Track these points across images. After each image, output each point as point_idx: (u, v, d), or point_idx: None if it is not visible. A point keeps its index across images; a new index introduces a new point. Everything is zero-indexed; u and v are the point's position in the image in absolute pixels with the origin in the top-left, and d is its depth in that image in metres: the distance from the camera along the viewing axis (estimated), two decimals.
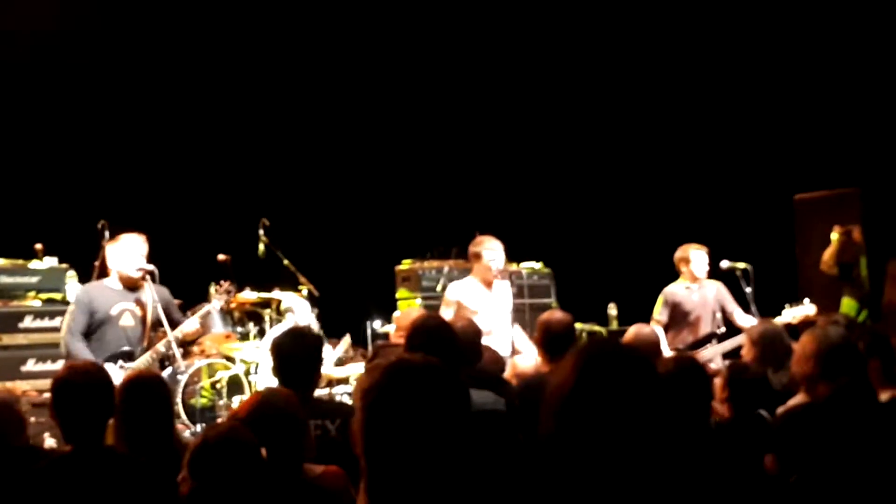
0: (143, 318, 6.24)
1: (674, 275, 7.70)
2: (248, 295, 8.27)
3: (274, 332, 7.14)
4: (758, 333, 5.61)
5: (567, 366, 2.21)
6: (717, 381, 4.34)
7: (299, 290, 8.54)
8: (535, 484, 2.19)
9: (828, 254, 8.83)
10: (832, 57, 10.17)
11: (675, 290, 7.61)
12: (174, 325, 6.22)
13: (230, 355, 7.75)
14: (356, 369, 7.50)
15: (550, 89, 11.62)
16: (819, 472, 3.53)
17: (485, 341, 5.42)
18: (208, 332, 7.90)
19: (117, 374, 5.62)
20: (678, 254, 7.67)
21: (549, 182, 11.75)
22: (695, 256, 7.58)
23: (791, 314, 7.18)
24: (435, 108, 11.49)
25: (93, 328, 6.12)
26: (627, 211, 11.54)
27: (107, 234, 7.56)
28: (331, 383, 7.44)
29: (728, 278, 7.73)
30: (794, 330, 6.36)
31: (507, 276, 6.93)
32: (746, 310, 7.52)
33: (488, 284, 6.94)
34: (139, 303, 6.24)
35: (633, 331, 5.74)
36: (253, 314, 8.50)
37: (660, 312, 7.56)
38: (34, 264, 8.11)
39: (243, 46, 11.05)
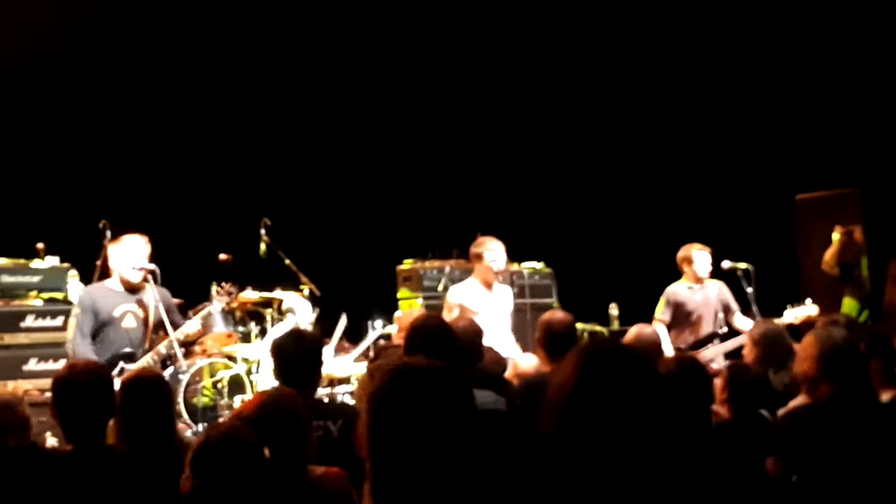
0: (146, 320, 6.23)
1: (675, 275, 7.70)
2: (250, 294, 8.28)
3: (275, 332, 7.15)
4: (759, 334, 5.60)
5: (568, 366, 2.21)
6: (718, 382, 4.34)
7: (301, 290, 8.55)
8: (537, 484, 2.19)
9: (829, 254, 8.83)
10: (832, 57, 10.17)
11: (677, 290, 7.61)
12: (173, 327, 6.21)
13: (232, 354, 7.76)
14: (357, 368, 7.50)
15: (552, 89, 11.62)
16: (820, 473, 3.53)
17: (485, 341, 5.42)
18: (209, 332, 7.92)
19: (118, 378, 5.61)
20: (681, 254, 7.67)
21: (550, 182, 11.74)
22: (698, 256, 7.58)
23: (793, 314, 7.18)
24: (436, 108, 11.49)
25: (96, 330, 6.11)
26: (629, 211, 11.54)
27: (108, 233, 7.57)
28: (332, 383, 7.45)
29: (729, 278, 7.73)
30: (796, 330, 6.36)
31: (508, 278, 6.94)
32: (747, 310, 7.52)
33: (489, 285, 6.95)
34: (141, 304, 6.24)
35: (634, 331, 5.75)
36: (254, 314, 8.52)
37: (662, 312, 7.56)
38: (36, 264, 8.11)
39: (245, 46, 11.05)
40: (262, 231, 8.80)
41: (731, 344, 7.10)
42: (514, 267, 9.19)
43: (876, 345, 4.27)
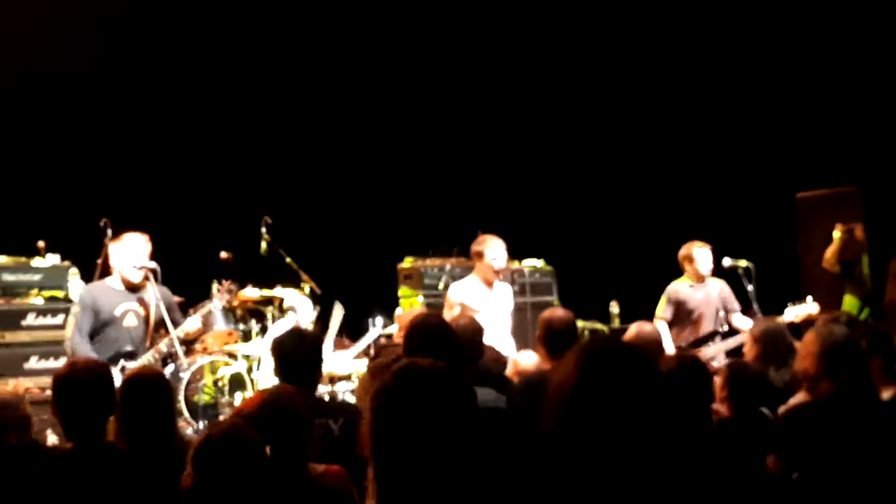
0: (147, 318, 6.24)
1: (676, 272, 7.70)
2: (251, 293, 8.28)
3: (276, 330, 7.16)
4: (760, 331, 5.61)
5: (569, 364, 2.21)
6: (717, 380, 4.34)
7: (301, 288, 8.55)
8: (537, 482, 2.19)
9: (830, 252, 8.83)
10: (833, 57, 10.16)
11: (678, 288, 7.60)
12: (174, 325, 6.21)
13: (232, 352, 7.77)
14: (358, 366, 7.50)
15: (552, 88, 11.61)
16: (821, 470, 3.53)
17: (485, 340, 5.42)
18: (210, 331, 7.92)
19: (118, 375, 5.62)
20: (682, 252, 7.67)
21: (550, 180, 11.74)
22: (699, 254, 7.57)
23: (794, 312, 7.18)
24: (437, 107, 11.49)
25: (97, 329, 6.11)
26: (629, 209, 11.53)
27: (109, 231, 7.56)
28: (332, 380, 7.45)
29: (730, 276, 7.72)
30: (797, 328, 6.36)
31: (509, 277, 6.93)
32: (748, 308, 7.51)
33: (489, 283, 6.95)
34: (142, 303, 6.24)
35: (634, 328, 5.74)
36: (255, 312, 8.52)
37: (663, 310, 7.56)
38: (37, 262, 8.12)
39: (245, 45, 11.04)
40: (263, 229, 8.81)
41: (732, 342, 7.09)
42: (515, 265, 9.20)
43: (877, 342, 4.27)
